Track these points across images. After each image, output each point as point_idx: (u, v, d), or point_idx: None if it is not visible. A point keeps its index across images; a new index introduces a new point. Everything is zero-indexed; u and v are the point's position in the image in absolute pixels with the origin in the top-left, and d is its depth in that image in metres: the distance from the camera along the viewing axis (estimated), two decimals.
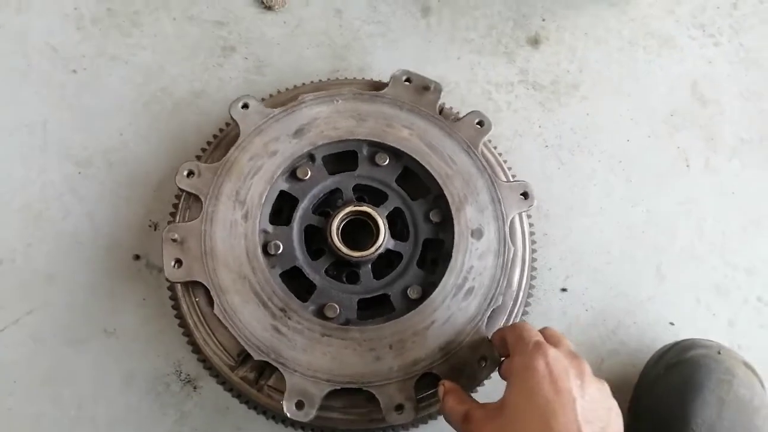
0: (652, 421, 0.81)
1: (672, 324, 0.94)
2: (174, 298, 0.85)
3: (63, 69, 1.00)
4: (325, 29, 1.06)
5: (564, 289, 0.95)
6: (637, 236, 0.98)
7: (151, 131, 0.98)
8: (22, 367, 0.87)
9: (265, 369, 0.80)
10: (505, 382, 0.68)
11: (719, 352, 0.82)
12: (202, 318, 0.81)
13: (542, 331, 0.70)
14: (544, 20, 1.09)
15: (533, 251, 0.90)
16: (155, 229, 0.94)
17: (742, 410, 0.77)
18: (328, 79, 0.98)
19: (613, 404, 0.65)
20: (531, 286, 0.89)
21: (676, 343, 0.86)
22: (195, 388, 0.87)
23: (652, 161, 1.02)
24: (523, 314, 0.87)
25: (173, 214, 0.88)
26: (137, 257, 0.92)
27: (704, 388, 0.78)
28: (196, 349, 0.84)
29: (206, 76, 1.02)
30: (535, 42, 1.08)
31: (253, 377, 0.80)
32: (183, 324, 0.85)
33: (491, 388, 0.81)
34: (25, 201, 0.94)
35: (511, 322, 0.84)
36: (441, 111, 0.93)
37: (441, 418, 0.73)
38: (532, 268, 0.89)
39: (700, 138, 1.04)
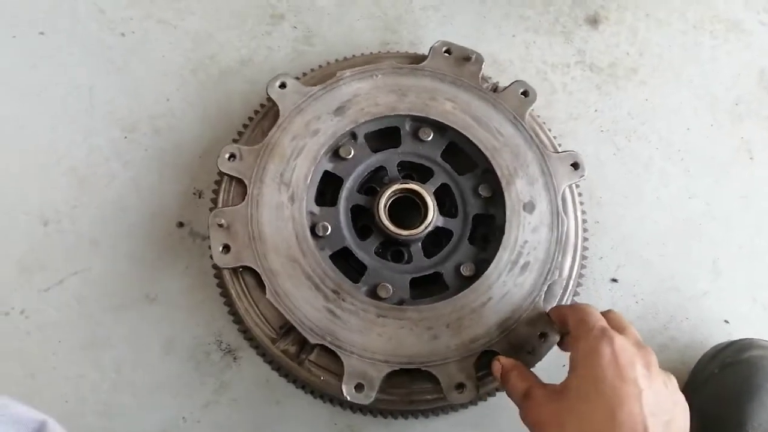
0: (702, 421, 0.78)
1: (726, 322, 0.91)
2: (217, 267, 0.85)
3: (111, 32, 0.99)
4: (377, 0, 1.03)
5: (615, 280, 0.92)
6: (693, 229, 0.94)
7: (197, 98, 0.97)
8: (66, 328, 0.87)
9: (306, 343, 0.79)
10: (564, 359, 0.66)
11: None
12: (245, 288, 0.80)
13: (605, 314, 0.68)
14: None
15: (584, 239, 0.87)
16: (199, 197, 0.93)
17: None
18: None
19: (680, 398, 0.63)
20: (581, 275, 0.86)
21: (733, 343, 0.82)
22: (235, 358, 0.87)
23: (713, 152, 0.98)
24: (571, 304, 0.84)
25: (218, 183, 0.87)
26: (181, 225, 0.92)
27: (762, 390, 0.75)
28: (238, 320, 0.84)
29: (254, 44, 1.00)
30: (594, 22, 1.04)
31: (295, 351, 0.79)
32: (225, 293, 0.84)
33: (548, 363, 0.78)
34: (72, 164, 0.93)
35: None
36: (495, 89, 0.90)
37: (500, 395, 0.71)
38: (583, 257, 0.86)
39: (766, 129, 0.99)
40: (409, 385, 0.78)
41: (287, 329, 0.79)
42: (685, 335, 0.90)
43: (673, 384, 0.64)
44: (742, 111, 1.00)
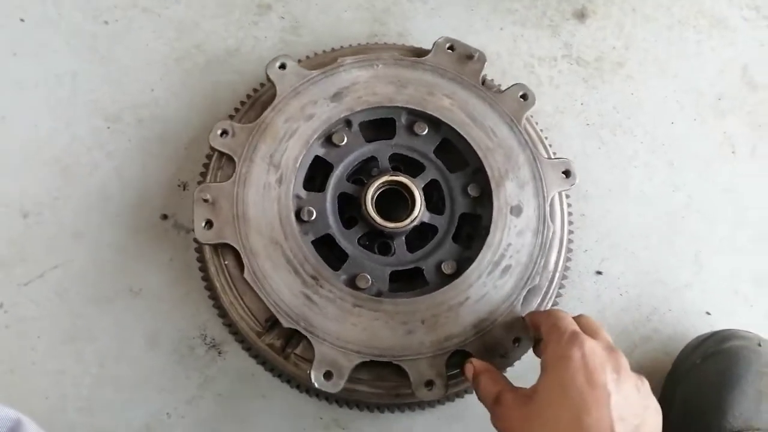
0: (684, 410, 0.80)
1: (708, 313, 0.92)
2: (201, 260, 0.84)
3: (94, 20, 0.97)
4: None
5: (599, 272, 0.93)
6: (676, 222, 0.95)
7: (182, 88, 0.95)
8: (46, 323, 0.85)
9: (292, 337, 0.78)
10: (537, 363, 0.66)
11: (759, 344, 0.80)
12: (230, 281, 0.79)
13: (577, 319, 0.68)
14: None
15: (570, 232, 0.88)
16: (184, 189, 0.92)
17: None
18: (367, 44, 0.94)
19: (651, 402, 0.62)
20: (566, 268, 0.87)
21: (714, 333, 0.84)
22: (220, 352, 0.86)
23: (697, 146, 0.99)
24: (557, 296, 0.85)
25: (203, 174, 0.86)
26: (165, 217, 0.90)
27: (743, 380, 0.77)
28: (223, 313, 0.83)
29: (241, 34, 0.99)
30: (581, 16, 1.04)
31: (280, 345, 0.79)
32: (210, 286, 0.83)
33: (522, 367, 0.79)
34: (53, 154, 0.91)
35: (545, 304, 0.82)
36: (483, 82, 0.90)
37: (469, 396, 0.71)
38: (568, 250, 0.87)
39: (748, 124, 1.00)
40: (396, 379, 0.77)
41: (272, 323, 0.79)
42: (668, 327, 0.91)
43: (645, 387, 0.63)
44: (725, 106, 1.01)
